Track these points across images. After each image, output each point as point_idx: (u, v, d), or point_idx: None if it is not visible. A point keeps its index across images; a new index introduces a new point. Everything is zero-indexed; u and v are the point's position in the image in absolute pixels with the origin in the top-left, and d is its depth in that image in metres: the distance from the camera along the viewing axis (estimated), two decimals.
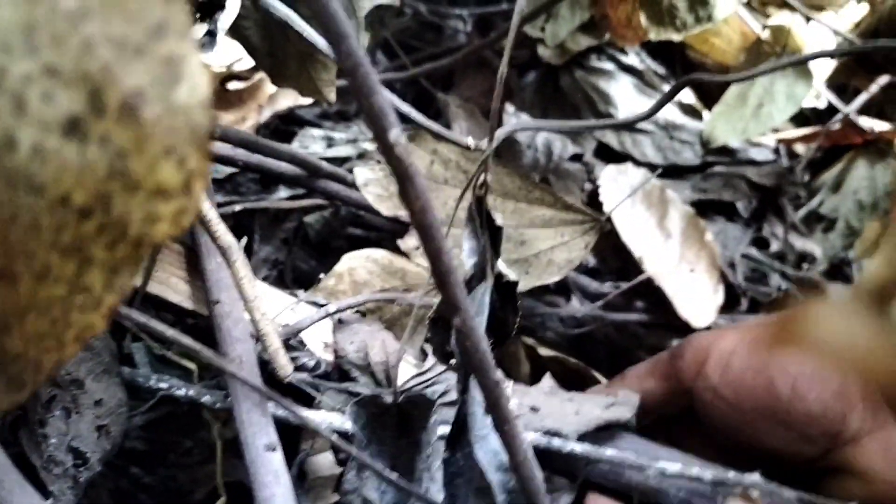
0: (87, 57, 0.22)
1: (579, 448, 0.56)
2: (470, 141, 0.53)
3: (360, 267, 0.61)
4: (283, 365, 0.53)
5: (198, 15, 0.44)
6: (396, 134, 0.34)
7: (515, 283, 0.46)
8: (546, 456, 0.56)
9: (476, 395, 0.45)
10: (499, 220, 0.46)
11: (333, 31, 0.32)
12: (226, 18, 0.46)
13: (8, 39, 0.21)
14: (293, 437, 0.59)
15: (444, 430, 0.55)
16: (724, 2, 0.65)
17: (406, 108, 0.48)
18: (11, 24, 0.21)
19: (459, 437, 0.46)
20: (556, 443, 0.56)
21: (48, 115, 0.22)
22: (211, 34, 0.44)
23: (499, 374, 0.59)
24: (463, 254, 0.45)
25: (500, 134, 0.59)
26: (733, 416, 0.55)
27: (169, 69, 0.22)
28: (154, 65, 0.22)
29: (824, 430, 0.51)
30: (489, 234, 0.47)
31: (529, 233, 0.59)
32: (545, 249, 0.59)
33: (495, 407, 0.40)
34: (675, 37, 0.66)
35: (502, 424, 0.40)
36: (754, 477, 0.54)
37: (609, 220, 0.66)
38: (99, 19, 0.22)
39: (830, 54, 0.51)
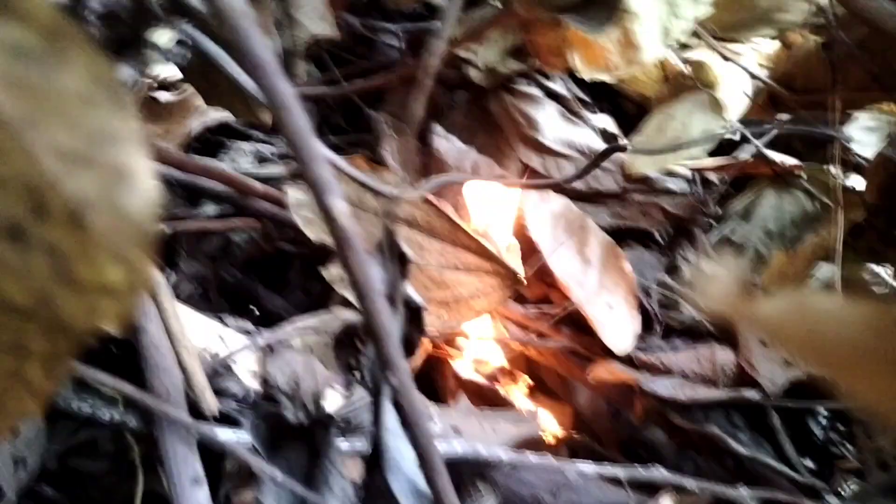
0: (30, 167, 0.22)
1: (505, 455, 0.60)
2: (394, 191, 0.55)
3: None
4: (210, 403, 0.53)
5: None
6: (336, 200, 0.35)
7: (421, 307, 0.49)
8: (474, 465, 0.60)
9: (391, 427, 0.47)
10: (408, 252, 0.49)
11: (278, 104, 0.33)
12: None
13: None
14: (215, 461, 0.59)
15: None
16: (652, 46, 0.68)
17: (341, 163, 0.49)
18: None
19: (376, 465, 0.48)
20: (484, 451, 0.60)
21: None
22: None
23: (427, 410, 0.61)
24: None
25: (424, 189, 0.61)
26: None
27: (116, 177, 0.23)
28: (102, 173, 0.23)
29: None
30: (399, 262, 0.49)
31: (452, 276, 0.61)
32: (466, 296, 0.61)
33: (426, 458, 0.42)
34: (607, 78, 0.69)
35: (433, 475, 0.42)
36: (659, 471, 0.62)
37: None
38: (44, 130, 0.22)
39: None
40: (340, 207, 0.34)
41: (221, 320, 0.61)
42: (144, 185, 0.23)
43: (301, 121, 0.33)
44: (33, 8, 0.20)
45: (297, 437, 0.53)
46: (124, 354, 0.60)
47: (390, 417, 0.48)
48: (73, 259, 0.23)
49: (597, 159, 0.53)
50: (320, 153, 0.33)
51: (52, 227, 0.23)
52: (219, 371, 0.58)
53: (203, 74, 0.65)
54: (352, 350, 0.64)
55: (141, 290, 0.25)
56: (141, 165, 0.23)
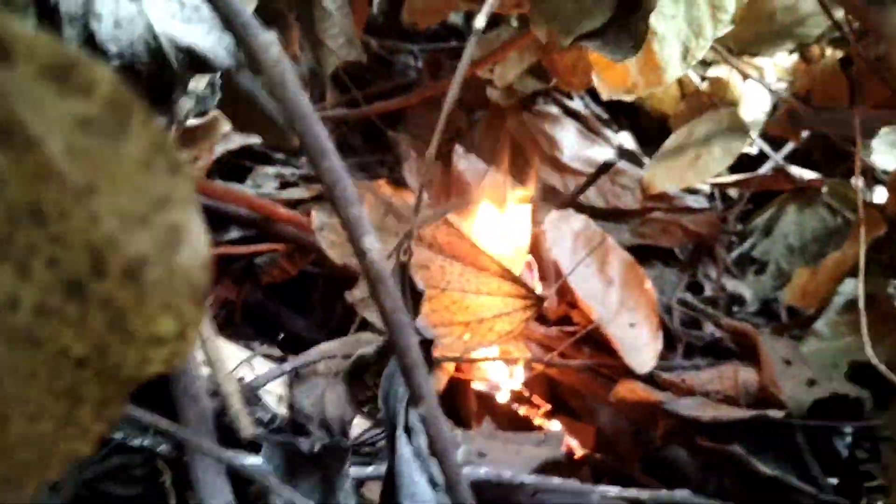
0: (91, 227, 0.23)
1: (529, 479, 0.61)
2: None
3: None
4: (246, 426, 0.53)
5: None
6: (370, 241, 0.36)
7: (432, 340, 0.49)
8: (498, 488, 0.60)
9: (404, 455, 0.48)
10: (420, 286, 0.50)
11: (315, 148, 0.34)
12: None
13: (15, 213, 0.22)
14: (245, 485, 0.59)
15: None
16: (673, 66, 0.68)
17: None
18: (18, 201, 0.22)
19: (391, 493, 0.49)
20: (507, 475, 0.60)
21: (51, 277, 0.23)
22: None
23: (454, 438, 0.61)
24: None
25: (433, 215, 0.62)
26: None
27: (172, 236, 0.24)
28: (157, 233, 0.23)
29: None
30: (411, 297, 0.50)
31: (475, 299, 0.62)
32: (489, 318, 0.62)
33: (454, 487, 0.43)
34: (627, 98, 0.69)
35: (459, 501, 0.42)
36: (683, 493, 0.60)
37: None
38: (105, 194, 0.23)
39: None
40: (375, 247, 0.35)
41: (248, 346, 0.62)
42: (197, 242, 0.24)
43: (337, 164, 0.34)
44: (96, 81, 0.21)
45: (312, 465, 0.54)
46: (153, 379, 0.61)
47: (404, 444, 0.49)
48: (129, 312, 0.24)
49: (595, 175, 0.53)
50: (356, 196, 0.34)
51: (109, 282, 0.24)
52: (247, 397, 0.59)
53: (235, 102, 0.66)
54: (362, 383, 0.64)
55: (192, 340, 0.26)
56: (194, 224, 0.24)
